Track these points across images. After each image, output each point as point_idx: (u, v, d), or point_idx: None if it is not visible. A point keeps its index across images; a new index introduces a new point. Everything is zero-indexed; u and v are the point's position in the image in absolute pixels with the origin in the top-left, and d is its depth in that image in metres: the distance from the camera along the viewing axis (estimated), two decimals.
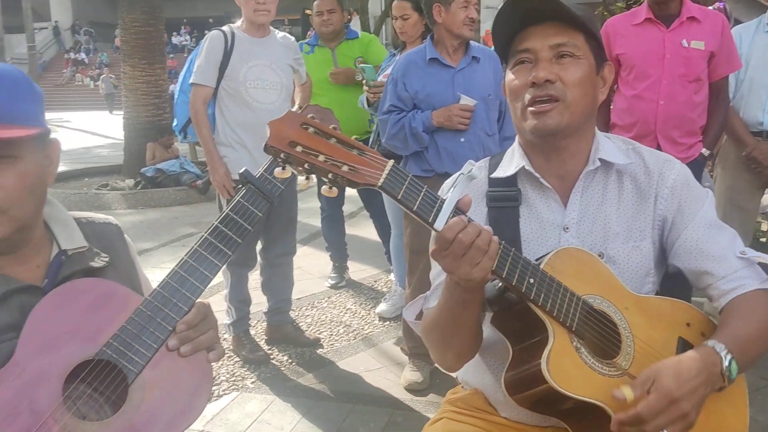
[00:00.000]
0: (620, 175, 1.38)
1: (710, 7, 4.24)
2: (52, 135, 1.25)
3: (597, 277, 1.28)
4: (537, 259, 1.26)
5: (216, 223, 1.21)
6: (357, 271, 4.92)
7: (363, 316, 4.13)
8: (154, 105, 8.98)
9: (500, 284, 1.24)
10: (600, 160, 1.36)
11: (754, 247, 4.20)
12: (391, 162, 1.12)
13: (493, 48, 5.08)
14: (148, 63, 8.88)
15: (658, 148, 2.99)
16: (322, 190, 1.14)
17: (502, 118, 3.15)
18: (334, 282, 4.67)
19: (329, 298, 4.46)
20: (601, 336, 1.25)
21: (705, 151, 3.06)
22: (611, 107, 3.14)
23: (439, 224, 1.12)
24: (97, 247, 1.28)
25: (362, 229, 5.83)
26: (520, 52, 1.33)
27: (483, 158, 3.17)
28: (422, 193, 1.13)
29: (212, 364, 1.21)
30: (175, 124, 3.62)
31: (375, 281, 4.78)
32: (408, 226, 3.20)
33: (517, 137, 1.46)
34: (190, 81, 3.34)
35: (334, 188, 1.12)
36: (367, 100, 3.73)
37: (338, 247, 4.73)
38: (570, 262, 1.25)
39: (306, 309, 4.26)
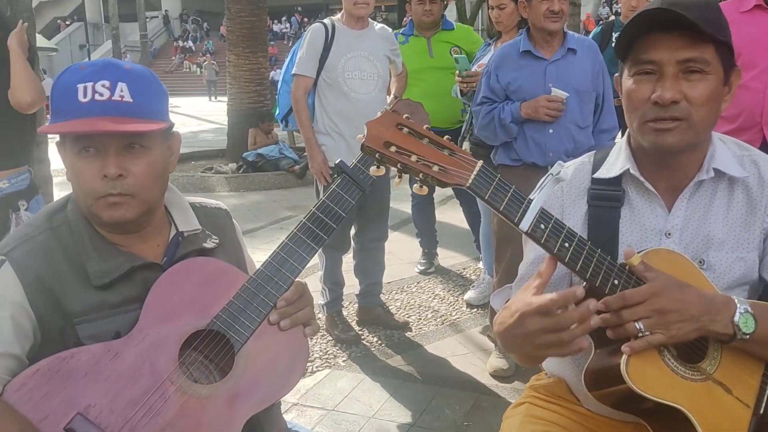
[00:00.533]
0: (732, 184, 1.35)
1: None
2: (174, 129, 1.40)
3: (688, 281, 1.26)
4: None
5: (314, 209, 1.32)
6: (446, 258, 4.99)
7: (451, 302, 4.20)
8: (255, 92, 9.33)
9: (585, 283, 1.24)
10: (714, 170, 1.33)
11: None
12: (480, 163, 1.16)
13: (592, 35, 4.97)
14: (252, 52, 9.23)
15: (764, 140, 2.88)
16: (413, 188, 1.18)
17: (599, 110, 3.11)
18: (423, 268, 4.76)
19: (418, 283, 4.56)
20: (689, 342, 1.25)
21: None
22: None
23: (525, 224, 1.15)
24: (208, 230, 1.42)
25: (452, 217, 5.88)
26: (645, 62, 1.26)
27: (571, 150, 3.12)
28: (509, 194, 1.16)
29: (308, 338, 1.33)
30: (277, 112, 3.80)
31: (464, 269, 4.84)
32: (496, 215, 3.24)
33: (625, 137, 1.43)
34: (292, 72, 3.50)
35: (424, 187, 1.17)
36: (460, 90, 3.77)
37: (428, 234, 4.81)
38: (660, 263, 1.23)
39: (396, 293, 4.37)
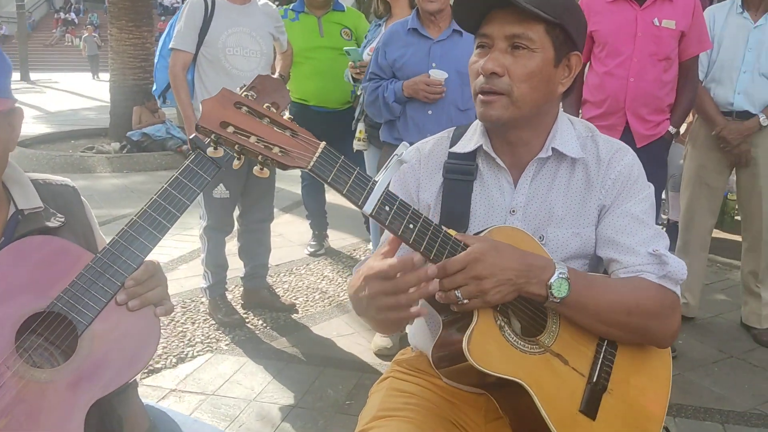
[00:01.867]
0: (573, 163, 1.40)
1: None
2: (17, 105, 1.29)
3: None
4: (474, 234, 1.30)
5: (165, 185, 1.26)
6: (337, 239, 4.99)
7: (339, 283, 4.20)
8: (140, 68, 8.92)
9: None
10: (553, 149, 1.38)
11: (728, 225, 4.25)
12: (322, 144, 1.13)
13: None
14: (135, 25, 8.80)
15: (627, 124, 3.05)
16: (253, 171, 1.15)
17: None
18: (313, 250, 4.73)
19: (307, 265, 4.53)
20: (526, 314, 1.30)
21: (672, 129, 3.11)
22: (584, 82, 3.18)
23: (368, 207, 1.13)
24: (53, 208, 1.33)
25: (343, 199, 5.88)
26: (481, 35, 1.33)
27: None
28: (353, 176, 1.13)
29: (159, 318, 1.28)
30: (154, 88, 3.63)
31: (354, 250, 4.85)
32: None
33: None
34: (170, 46, 3.35)
35: (265, 169, 1.13)
36: (353, 77, 3.75)
37: (318, 216, 4.79)
38: (504, 240, 1.26)
39: (284, 275, 4.32)
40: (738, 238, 4.66)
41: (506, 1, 1.26)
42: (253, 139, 1.09)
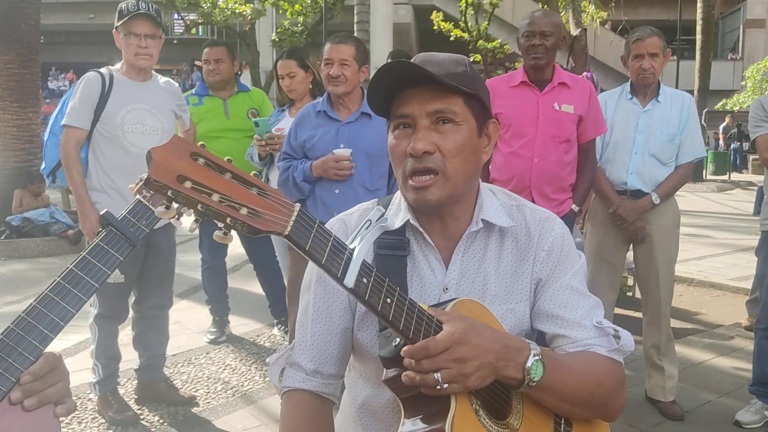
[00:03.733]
0: (502, 235, 1.37)
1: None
2: None
3: None
4: (435, 305, 1.22)
5: (71, 266, 1.11)
6: (239, 325, 4.75)
7: (243, 372, 3.96)
8: (24, 150, 8.45)
9: (400, 341, 1.14)
10: (483, 221, 1.34)
11: (620, 301, 4.39)
12: (297, 206, 1.00)
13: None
14: (20, 106, 8.39)
15: (533, 202, 3.13)
16: (214, 236, 0.97)
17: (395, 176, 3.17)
18: (213, 337, 4.47)
19: (208, 353, 4.26)
20: (493, 394, 1.23)
21: (575, 207, 3.23)
22: (490, 163, 3.27)
23: (349, 280, 1.02)
24: None
25: (245, 283, 5.67)
26: (400, 116, 1.28)
27: None
28: (330, 243, 1.01)
29: (60, 419, 1.10)
30: (43, 167, 3.39)
31: (257, 336, 4.63)
32: (290, 273, 3.19)
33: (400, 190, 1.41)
34: (63, 122, 3.16)
35: (229, 234, 0.95)
36: (259, 154, 3.69)
37: (219, 300, 4.56)
38: (467, 314, 1.18)
39: (182, 365, 4.03)
40: (634, 313, 4.86)
41: (422, 79, 1.23)
42: (216, 197, 0.92)
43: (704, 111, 18.19)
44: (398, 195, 1.43)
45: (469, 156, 1.29)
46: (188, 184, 0.90)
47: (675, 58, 16.20)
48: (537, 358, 1.18)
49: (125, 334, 3.53)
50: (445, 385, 1.09)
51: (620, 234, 3.43)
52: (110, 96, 3.15)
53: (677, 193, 3.46)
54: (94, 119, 3.15)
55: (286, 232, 0.97)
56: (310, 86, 3.83)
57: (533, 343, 1.21)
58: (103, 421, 3.25)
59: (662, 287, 3.41)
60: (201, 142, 0.96)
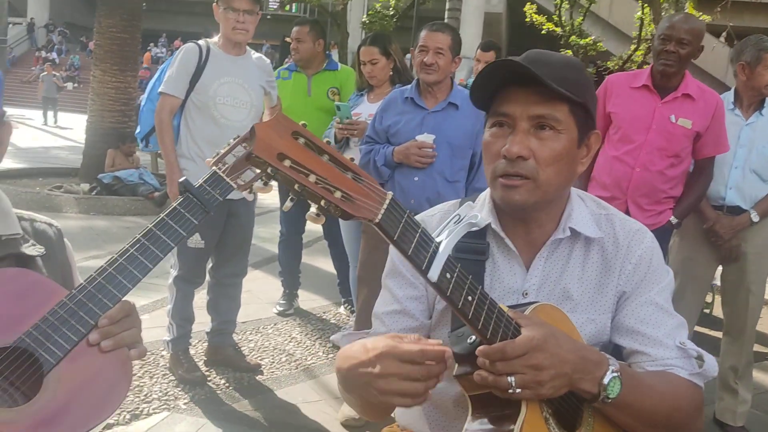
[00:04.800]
0: (588, 244, 1.33)
1: None
2: (6, 119, 1.23)
3: None
4: (514, 306, 1.21)
5: (150, 225, 1.21)
6: (307, 300, 4.86)
7: (308, 346, 4.05)
8: (120, 112, 8.84)
9: (476, 339, 1.13)
10: (570, 229, 1.31)
11: (699, 319, 4.13)
12: (389, 194, 0.99)
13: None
14: (120, 69, 8.77)
15: (627, 211, 3.04)
16: (307, 216, 0.96)
17: (475, 169, 3.13)
18: (282, 309, 4.59)
19: (275, 324, 4.38)
20: (564, 404, 1.21)
21: (673, 220, 3.08)
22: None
23: (433, 274, 1.00)
24: (33, 239, 1.25)
25: (317, 260, 5.78)
26: (500, 115, 1.25)
27: (434, 199, 3.15)
28: (418, 235, 1.00)
29: (132, 362, 1.20)
30: (138, 131, 3.55)
31: (324, 312, 4.72)
32: (361, 255, 3.22)
33: (488, 189, 1.39)
34: (159, 90, 3.30)
35: (321, 216, 0.95)
36: (336, 136, 3.74)
37: (291, 274, 4.67)
38: (546, 320, 1.16)
39: (250, 333, 4.16)
40: (711, 332, 4.68)
41: (530, 79, 1.18)
42: (312, 178, 0.91)
43: None
44: (483, 195, 1.41)
45: (565, 166, 1.26)
46: (287, 163, 0.91)
47: None
48: (615, 374, 1.15)
49: (200, 298, 3.66)
50: (518, 390, 1.08)
51: (712, 251, 3.27)
52: (206, 68, 3.26)
53: None
54: (189, 89, 3.27)
55: (377, 220, 0.96)
56: (390, 73, 3.85)
57: (612, 358, 1.18)
58: (172, 378, 3.40)
59: (750, 309, 3.26)
60: (303, 122, 0.99)
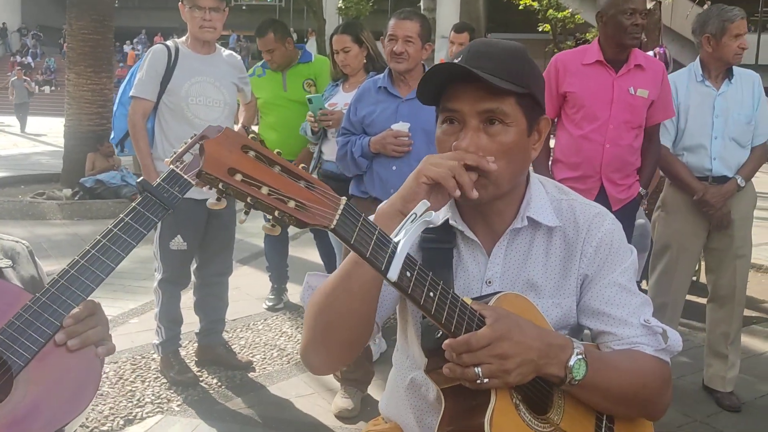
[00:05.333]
0: (550, 231, 1.35)
1: (651, 52, 4.39)
2: None
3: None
4: (478, 297, 1.23)
5: (110, 226, 1.25)
6: (296, 293, 4.85)
7: (299, 340, 4.07)
8: (97, 114, 8.78)
9: (443, 333, 1.15)
10: (528, 218, 1.33)
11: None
12: (343, 200, 1.01)
13: None
14: (94, 71, 8.70)
15: (602, 188, 3.06)
16: (262, 228, 1.01)
17: None
18: (271, 304, 4.60)
19: (265, 320, 4.39)
20: (534, 389, 1.23)
21: (642, 191, 3.15)
22: (555, 141, 3.20)
23: (393, 274, 1.01)
24: None
25: (305, 252, 5.78)
26: (449, 110, 1.26)
27: None
28: (375, 237, 1.02)
29: (100, 359, 1.24)
30: (112, 136, 3.53)
31: None
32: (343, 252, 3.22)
33: None
34: (130, 94, 3.28)
35: (276, 226, 0.99)
36: (311, 129, 3.73)
37: (279, 268, 4.67)
38: (511, 309, 1.18)
39: (240, 331, 4.17)
40: (697, 299, 4.72)
41: (475, 76, 1.18)
42: (265, 190, 0.93)
43: None
44: None
45: (516, 156, 1.27)
46: (239, 177, 0.92)
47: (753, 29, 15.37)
48: (580, 357, 1.17)
49: (188, 298, 3.66)
50: (486, 380, 1.10)
51: (701, 221, 3.30)
52: (176, 68, 3.24)
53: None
54: (161, 91, 3.25)
55: (332, 226, 0.97)
56: (365, 61, 3.83)
57: (577, 341, 1.21)
58: (164, 380, 3.41)
59: (739, 274, 3.30)
60: (252, 135, 0.99)
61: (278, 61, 4.28)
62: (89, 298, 1.22)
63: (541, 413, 1.22)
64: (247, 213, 0.99)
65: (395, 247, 1.03)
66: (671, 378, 1.33)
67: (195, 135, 1.38)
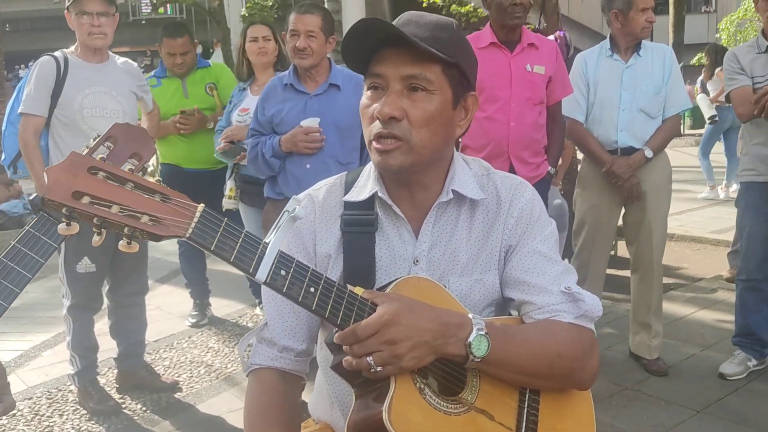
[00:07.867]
0: (474, 206, 1.32)
1: (551, 36, 4.49)
2: None
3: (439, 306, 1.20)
4: (379, 289, 1.19)
5: (1, 257, 1.06)
6: (220, 307, 4.69)
7: (226, 354, 3.92)
8: None
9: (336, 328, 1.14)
10: (453, 192, 1.30)
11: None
12: (200, 206, 1.00)
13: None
14: None
15: (511, 167, 3.08)
16: (119, 246, 0.99)
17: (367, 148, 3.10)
18: (195, 320, 4.42)
19: (190, 337, 4.21)
20: (443, 370, 1.19)
21: (551, 170, 3.19)
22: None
23: (261, 275, 1.02)
24: None
25: (224, 265, 5.58)
26: (374, 76, 1.24)
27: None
28: (240, 240, 1.01)
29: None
30: (2, 158, 3.28)
31: (240, 317, 4.58)
32: None
33: None
34: (19, 111, 3.05)
35: (134, 243, 0.98)
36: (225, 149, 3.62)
37: (199, 284, 4.50)
38: (412, 292, 1.16)
39: (164, 351, 3.98)
40: (618, 272, 4.86)
41: (401, 40, 1.17)
42: (115, 209, 0.94)
43: (680, 65, 18.13)
44: (369, 166, 1.38)
45: (439, 128, 1.24)
46: (86, 200, 0.93)
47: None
48: (481, 333, 1.13)
49: (103, 323, 3.46)
50: (379, 368, 1.07)
51: (615, 195, 3.37)
52: (66, 80, 3.04)
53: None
54: (52, 105, 3.03)
55: (188, 235, 0.97)
56: (275, 59, 3.75)
57: (478, 317, 1.16)
58: (84, 412, 3.20)
59: (655, 245, 3.38)
60: (145, 151, 0.98)
61: (189, 63, 4.12)
62: None
63: (454, 395, 1.18)
64: (99, 234, 0.97)
65: (266, 247, 1.03)
66: (595, 345, 1.30)
67: (98, 136, 1.22)
